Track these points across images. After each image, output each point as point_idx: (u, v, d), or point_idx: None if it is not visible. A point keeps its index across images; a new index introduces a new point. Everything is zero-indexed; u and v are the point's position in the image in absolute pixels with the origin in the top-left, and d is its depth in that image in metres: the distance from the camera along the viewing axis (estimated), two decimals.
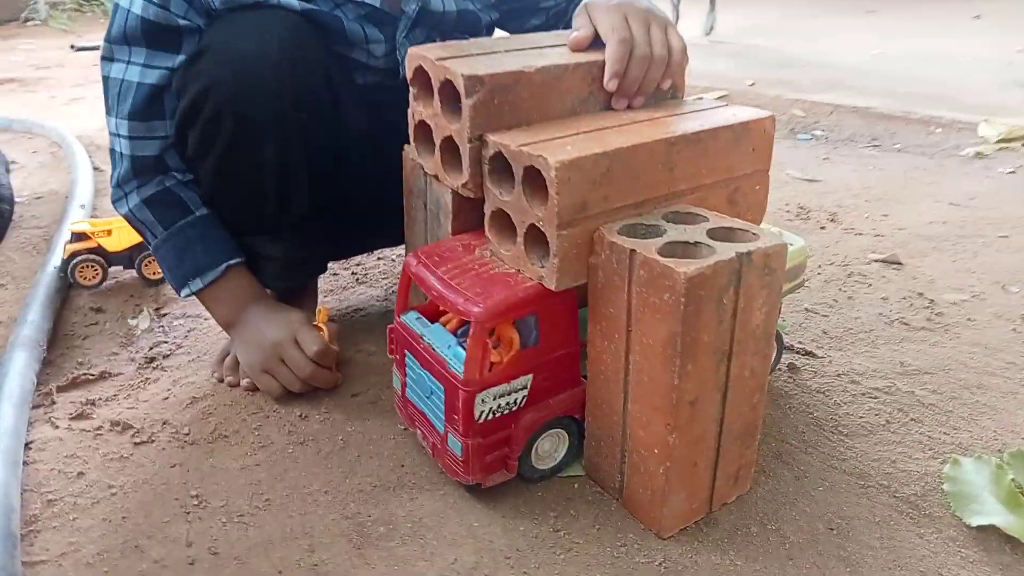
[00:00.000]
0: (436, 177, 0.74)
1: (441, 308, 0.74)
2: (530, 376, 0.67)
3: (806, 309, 1.03)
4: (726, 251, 0.57)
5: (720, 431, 0.64)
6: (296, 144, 0.80)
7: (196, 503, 0.70)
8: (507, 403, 0.67)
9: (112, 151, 0.86)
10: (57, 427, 0.81)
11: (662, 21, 0.73)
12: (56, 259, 1.13)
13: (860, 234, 1.29)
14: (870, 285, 1.10)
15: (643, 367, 0.61)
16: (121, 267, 1.15)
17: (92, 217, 1.35)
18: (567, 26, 0.89)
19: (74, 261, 1.10)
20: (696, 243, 0.59)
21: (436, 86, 0.69)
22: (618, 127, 0.67)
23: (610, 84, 0.71)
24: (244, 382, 0.86)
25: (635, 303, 0.60)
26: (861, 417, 0.81)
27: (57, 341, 1.01)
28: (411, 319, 0.73)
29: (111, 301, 1.11)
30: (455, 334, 0.72)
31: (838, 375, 0.88)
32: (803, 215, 1.38)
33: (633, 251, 0.59)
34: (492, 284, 0.66)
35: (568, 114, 0.71)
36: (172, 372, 0.93)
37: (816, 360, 0.91)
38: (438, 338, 0.69)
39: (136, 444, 0.78)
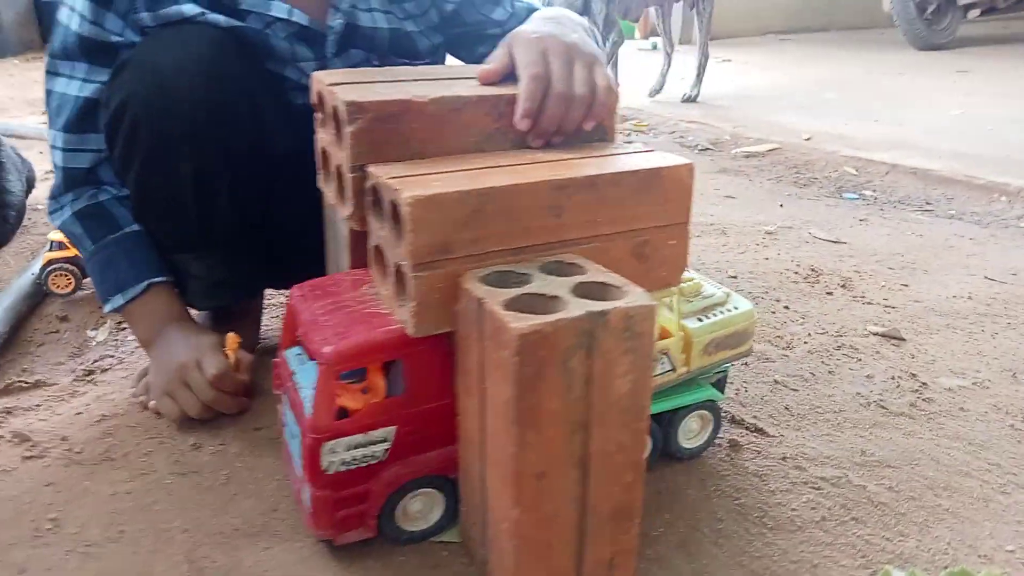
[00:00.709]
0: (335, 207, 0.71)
1: None
2: (393, 428, 0.62)
3: (775, 381, 0.93)
4: (576, 308, 0.51)
5: (583, 512, 0.57)
6: (214, 160, 0.79)
7: (50, 527, 0.67)
8: (364, 455, 0.62)
9: (55, 168, 0.86)
10: None
11: (588, 57, 0.68)
12: (36, 266, 1.16)
13: (869, 303, 1.17)
14: (859, 360, 0.99)
15: (494, 431, 0.55)
16: None
17: None
18: None
19: (48, 269, 1.13)
20: (553, 297, 0.53)
21: (329, 112, 0.66)
22: (509, 167, 0.62)
23: (521, 123, 0.66)
24: (151, 404, 0.84)
25: (486, 359, 0.54)
26: (794, 510, 0.71)
27: (13, 347, 1.02)
28: (291, 355, 0.69)
29: (79, 311, 1.12)
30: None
31: (784, 458, 0.78)
32: (812, 278, 1.27)
33: (480, 300, 0.53)
34: (356, 324, 0.61)
35: (472, 150, 0.67)
36: (102, 387, 0.92)
37: (765, 439, 0.81)
38: (305, 378, 0.65)
39: (24, 458, 0.77)
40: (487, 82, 0.68)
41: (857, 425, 0.85)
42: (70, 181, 0.85)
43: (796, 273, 1.29)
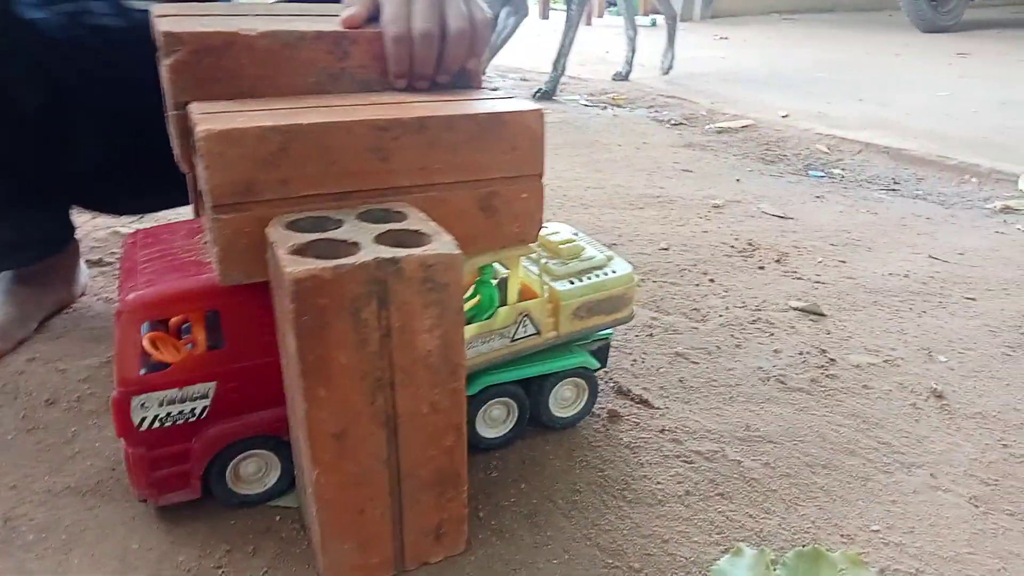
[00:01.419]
0: None
1: None
2: (213, 384, 0.58)
3: (676, 353, 0.89)
4: (367, 255, 0.47)
5: (398, 476, 0.53)
6: None
7: None
8: (181, 412, 0.58)
9: None
10: None
11: None
12: None
13: (800, 279, 1.13)
14: (770, 335, 0.95)
15: (290, 387, 0.51)
16: None
17: None
18: None
19: None
20: (353, 243, 0.49)
21: (159, 46, 0.62)
22: (336, 107, 0.57)
23: (398, 84, 0.62)
24: None
25: (278, 308, 0.50)
26: (659, 483, 0.67)
27: None
28: None
29: None
30: (179, 330, 0.64)
31: (662, 431, 0.74)
32: (747, 252, 1.22)
33: (272, 245, 0.49)
34: (170, 273, 0.57)
35: (314, 90, 0.62)
36: None
37: (648, 411, 0.78)
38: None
39: None
40: (351, 27, 0.63)
41: (750, 400, 0.81)
42: None
43: (731, 247, 1.24)
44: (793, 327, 0.97)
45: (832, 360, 0.89)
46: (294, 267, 0.45)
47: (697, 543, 0.61)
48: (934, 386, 0.84)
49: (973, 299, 1.07)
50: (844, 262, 1.20)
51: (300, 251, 0.48)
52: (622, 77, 2.94)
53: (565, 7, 2.64)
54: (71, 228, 0.93)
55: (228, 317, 0.57)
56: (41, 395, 0.77)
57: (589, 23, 4.98)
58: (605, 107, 2.52)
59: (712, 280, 1.11)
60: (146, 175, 0.84)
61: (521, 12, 2.60)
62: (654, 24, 4.86)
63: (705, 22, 5.30)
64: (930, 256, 1.24)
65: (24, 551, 0.58)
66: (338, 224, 0.53)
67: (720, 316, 0.99)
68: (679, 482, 0.68)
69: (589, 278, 0.71)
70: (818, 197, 1.58)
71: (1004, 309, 1.04)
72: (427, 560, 0.58)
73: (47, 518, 0.61)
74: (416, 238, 0.51)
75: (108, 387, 0.79)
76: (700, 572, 0.58)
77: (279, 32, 0.60)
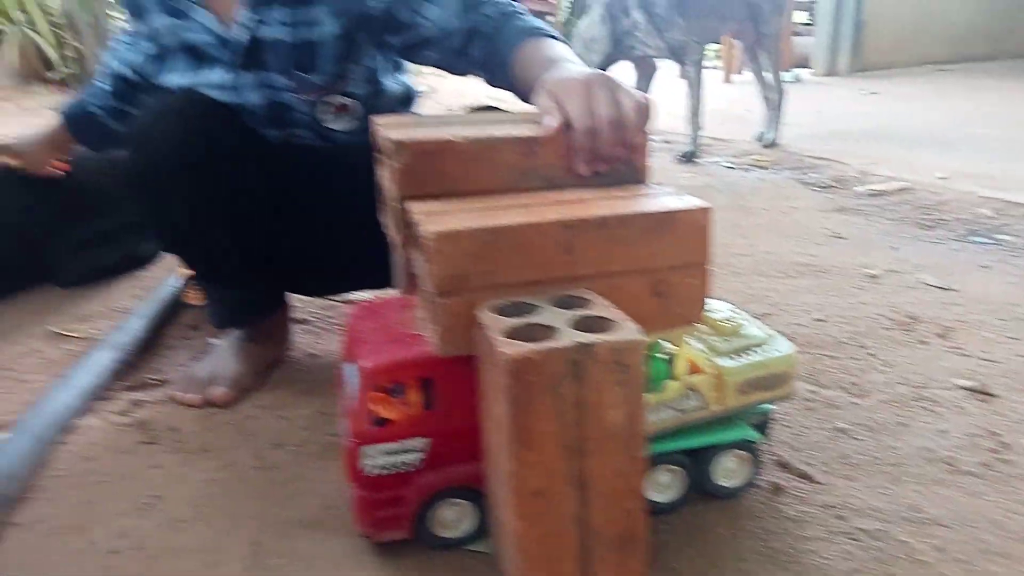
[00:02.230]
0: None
1: None
2: (427, 440, 0.69)
3: (837, 428, 0.91)
4: (566, 339, 0.55)
5: (587, 533, 0.60)
6: (201, 209, 0.92)
7: (151, 503, 0.80)
8: (400, 462, 0.69)
9: None
10: (100, 419, 0.97)
11: (619, 86, 0.71)
12: (175, 280, 1.35)
13: (966, 356, 1.10)
14: (937, 415, 0.94)
15: (498, 448, 0.60)
16: None
17: None
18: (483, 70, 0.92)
19: (186, 282, 1.31)
20: (550, 328, 0.58)
21: (383, 151, 0.75)
22: (529, 206, 0.67)
23: (585, 169, 0.71)
24: (188, 397, 1.00)
25: (489, 381, 0.60)
26: (825, 559, 0.70)
27: (151, 349, 1.19)
28: (348, 369, 0.78)
29: (207, 322, 1.29)
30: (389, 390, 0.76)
31: (826, 507, 0.77)
32: (908, 326, 1.21)
33: (485, 327, 0.59)
34: (394, 343, 0.69)
35: (506, 188, 0.72)
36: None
37: (810, 486, 0.80)
38: (353, 389, 0.73)
39: (141, 443, 0.91)
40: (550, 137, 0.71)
41: (916, 480, 0.81)
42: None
43: (891, 320, 1.24)
44: (960, 407, 0.96)
45: (1005, 444, 0.87)
46: (509, 349, 0.54)
47: None
48: None
49: None
50: (1016, 339, 1.16)
51: (511, 334, 0.57)
52: (769, 143, 2.81)
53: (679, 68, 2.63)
54: (277, 291, 1.11)
55: (440, 383, 0.68)
56: (268, 438, 0.91)
57: (728, 80, 4.99)
58: (748, 169, 2.54)
59: (872, 354, 1.11)
60: (337, 266, 1.01)
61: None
62: (797, 80, 4.80)
63: (853, 76, 5.16)
64: None
65: (271, 572, 0.70)
66: (535, 309, 0.62)
67: (881, 392, 1.00)
68: (846, 559, 0.70)
69: (752, 355, 0.76)
70: (983, 267, 1.53)
71: None
72: None
73: (286, 547, 0.73)
74: (603, 323, 0.59)
75: (325, 434, 0.92)
76: None
77: (481, 138, 0.71)
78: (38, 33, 4.04)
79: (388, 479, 0.69)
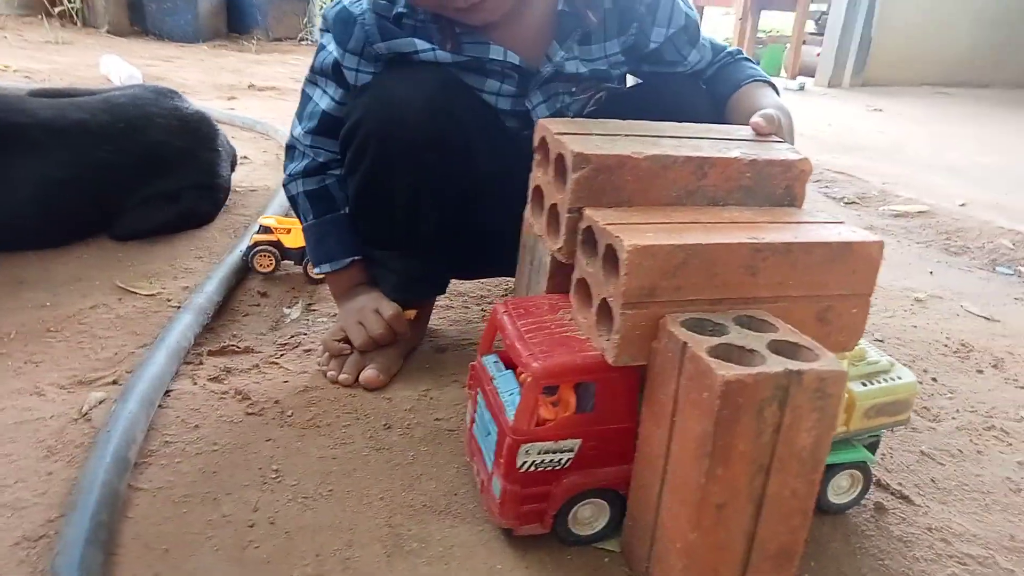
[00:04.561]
0: (541, 238, 0.80)
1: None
2: (579, 441, 0.70)
3: (922, 452, 0.95)
4: (775, 364, 0.57)
5: (751, 546, 0.63)
6: (427, 179, 0.94)
7: (274, 476, 0.80)
8: (551, 460, 0.70)
9: (292, 148, 1.05)
10: (196, 383, 0.96)
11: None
12: (243, 244, 1.33)
13: (1022, 388, 1.16)
14: (1009, 444, 0.99)
15: (680, 459, 0.62)
16: (292, 262, 1.32)
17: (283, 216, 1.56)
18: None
19: (255, 249, 1.29)
20: (751, 350, 0.60)
21: (552, 157, 0.75)
22: (710, 224, 0.69)
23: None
24: (342, 377, 0.98)
25: (680, 395, 0.61)
26: None
27: (223, 313, 1.18)
28: (489, 361, 0.79)
29: (276, 289, 1.28)
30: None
31: (929, 529, 0.81)
32: (962, 354, 1.26)
33: (685, 344, 0.60)
34: (558, 345, 0.70)
35: (672, 203, 0.74)
36: (300, 361, 1.06)
37: (910, 507, 0.84)
38: (505, 384, 0.74)
39: (247, 414, 0.91)
40: (761, 133, 0.82)
41: (1007, 509, 0.86)
42: (308, 169, 1.03)
43: (945, 346, 1.29)
44: None
45: None
46: (724, 371, 0.56)
47: None
48: None
49: None
50: None
51: (712, 353, 0.59)
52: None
53: None
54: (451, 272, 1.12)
55: (602, 388, 0.69)
56: (377, 419, 0.91)
57: None
58: None
59: (934, 379, 1.16)
60: (495, 253, 1.03)
61: None
62: (802, 88, 4.87)
63: (855, 90, 5.25)
64: None
65: (414, 557, 0.71)
66: (720, 328, 0.64)
67: (953, 419, 1.04)
68: None
69: (879, 381, 0.79)
70: (1017, 299, 1.59)
71: None
72: None
73: (420, 531, 0.74)
74: (796, 349, 0.61)
75: (431, 419, 0.93)
76: None
77: (658, 156, 0.72)
78: None
79: (538, 476, 0.70)
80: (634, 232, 0.64)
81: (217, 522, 0.73)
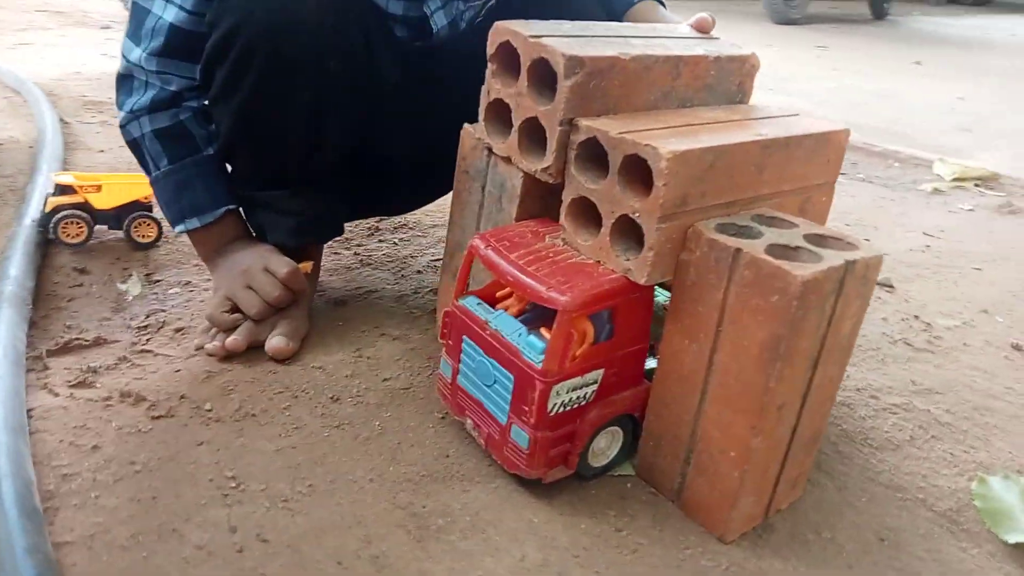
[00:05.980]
0: (507, 159, 0.72)
1: (499, 294, 0.72)
2: (601, 371, 0.66)
3: None
4: (834, 258, 0.57)
5: (793, 438, 0.64)
6: (332, 90, 0.78)
7: (233, 485, 0.65)
8: (578, 397, 0.65)
9: (128, 78, 0.82)
10: (57, 395, 0.74)
11: None
12: (34, 212, 1.04)
13: None
14: (879, 299, 1.14)
15: (731, 369, 0.60)
16: (106, 227, 1.06)
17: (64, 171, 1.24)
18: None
19: (57, 216, 1.01)
20: (796, 247, 0.59)
21: (526, 64, 0.67)
22: (704, 124, 0.66)
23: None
24: (229, 341, 0.82)
25: (731, 303, 0.59)
26: (886, 432, 0.83)
27: (39, 302, 0.92)
28: (472, 304, 0.70)
29: (96, 262, 1.02)
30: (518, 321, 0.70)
31: (858, 389, 0.91)
32: None
33: (739, 250, 0.58)
34: (574, 273, 0.64)
35: (649, 107, 0.70)
36: (178, 344, 0.86)
37: None
38: (506, 325, 0.67)
39: (153, 418, 0.72)
40: (703, 31, 0.80)
41: (896, 360, 0.99)
42: (155, 103, 0.81)
43: None
44: (879, 297, 1.16)
45: (928, 324, 1.09)
46: (799, 271, 0.55)
47: (946, 475, 0.77)
48: None
49: (979, 269, 1.33)
50: (868, 240, 1.42)
51: (769, 254, 0.57)
52: None
53: None
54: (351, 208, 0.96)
55: (621, 312, 0.65)
56: (321, 394, 0.78)
57: None
58: None
59: None
60: (421, 179, 0.88)
61: None
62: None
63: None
64: (923, 233, 1.50)
65: (444, 534, 0.62)
66: (746, 229, 0.62)
67: None
68: (900, 430, 0.83)
69: None
70: None
71: None
72: (780, 507, 0.69)
73: (436, 504, 0.65)
74: (827, 240, 0.62)
75: (376, 378, 0.81)
76: (965, 496, 0.74)
77: (641, 56, 0.67)
78: None
79: (565, 416, 0.65)
80: (658, 139, 0.60)
81: (194, 557, 0.57)
